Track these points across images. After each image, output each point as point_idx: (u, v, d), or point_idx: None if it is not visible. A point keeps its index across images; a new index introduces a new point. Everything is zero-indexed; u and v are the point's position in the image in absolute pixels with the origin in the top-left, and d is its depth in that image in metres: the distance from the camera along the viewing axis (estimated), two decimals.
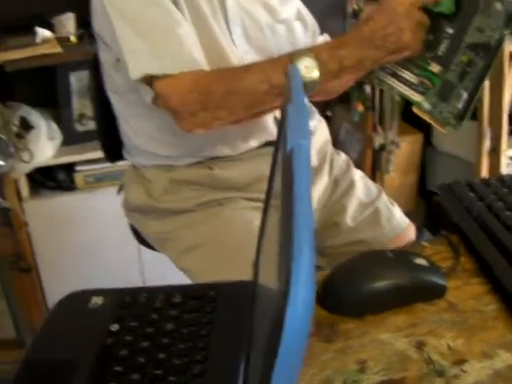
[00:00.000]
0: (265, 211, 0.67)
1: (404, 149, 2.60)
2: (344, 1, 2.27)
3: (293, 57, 1.06)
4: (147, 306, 0.69)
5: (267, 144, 1.32)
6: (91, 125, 2.22)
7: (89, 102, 2.17)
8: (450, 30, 1.07)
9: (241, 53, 1.26)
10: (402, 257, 0.80)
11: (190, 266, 1.30)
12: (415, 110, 1.15)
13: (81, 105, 2.20)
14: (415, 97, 1.13)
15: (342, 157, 1.52)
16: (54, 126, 2.18)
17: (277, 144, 0.63)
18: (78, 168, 2.26)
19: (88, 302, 0.75)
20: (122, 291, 0.75)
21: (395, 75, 1.16)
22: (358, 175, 1.50)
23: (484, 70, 1.04)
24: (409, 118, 2.59)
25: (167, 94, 1.14)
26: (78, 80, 2.16)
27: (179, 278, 2.11)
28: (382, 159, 2.53)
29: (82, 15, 2.14)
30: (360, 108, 2.38)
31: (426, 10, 1.06)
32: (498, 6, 1.01)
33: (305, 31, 1.40)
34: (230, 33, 1.26)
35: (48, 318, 0.75)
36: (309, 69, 1.04)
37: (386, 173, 2.57)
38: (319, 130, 1.47)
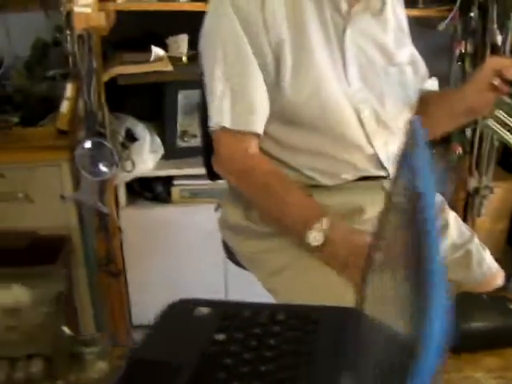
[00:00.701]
0: (376, 242, 0.70)
1: (498, 194, 2.57)
2: (451, 44, 2.27)
3: (311, 225, 1.22)
4: (252, 320, 0.74)
5: (362, 179, 1.38)
6: (193, 142, 2.33)
7: (193, 119, 2.28)
8: None
9: (354, 90, 1.33)
10: (497, 301, 0.81)
11: (277, 288, 1.34)
12: None
13: (185, 122, 2.30)
14: None
15: (437, 197, 1.54)
16: (158, 139, 2.28)
17: (394, 184, 0.66)
18: (176, 182, 2.35)
19: (194, 310, 0.80)
20: (227, 304, 0.79)
21: (505, 125, 1.20)
22: (452, 216, 1.52)
23: None
24: (505, 164, 2.56)
25: (220, 143, 1.33)
26: (184, 98, 2.26)
27: (260, 298, 2.15)
28: (475, 203, 2.51)
29: (194, 37, 2.25)
30: (459, 150, 2.38)
31: None
32: None
33: (415, 75, 1.45)
34: (346, 71, 1.33)
35: (156, 321, 0.80)
36: (315, 239, 1.22)
37: (477, 216, 2.55)
38: None
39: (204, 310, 0.80)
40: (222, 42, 1.29)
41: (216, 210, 1.61)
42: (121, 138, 2.18)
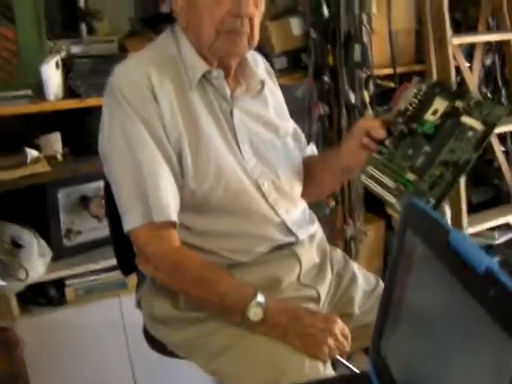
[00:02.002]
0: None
1: (369, 237, 2.77)
2: (309, 107, 2.46)
3: (248, 303, 1.30)
4: None
5: (274, 249, 1.46)
6: (78, 239, 2.29)
7: (75, 216, 2.24)
8: (428, 148, 1.28)
9: (251, 167, 1.43)
10: None
11: (223, 368, 1.37)
12: (389, 209, 1.36)
13: (68, 220, 2.24)
14: (390, 198, 1.31)
15: (339, 252, 1.66)
16: (43, 242, 2.20)
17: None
18: (68, 282, 2.27)
19: None
20: None
21: (375, 179, 1.35)
22: (355, 267, 1.63)
23: (452, 183, 1.23)
24: (371, 208, 2.78)
25: (145, 240, 1.36)
26: (65, 196, 2.21)
27: None
28: (352, 248, 2.68)
29: (66, 135, 2.25)
30: (332, 203, 2.55)
31: (410, 129, 1.31)
32: (470, 133, 1.23)
33: (296, 146, 1.59)
34: (241, 150, 1.43)
35: None
36: (255, 315, 1.30)
37: (355, 260, 2.72)
38: (318, 230, 1.61)
39: None
40: (128, 145, 1.34)
41: (138, 306, 1.60)
42: (6, 246, 2.07)
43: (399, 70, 2.55)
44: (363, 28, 2.35)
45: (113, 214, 1.55)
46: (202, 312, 1.39)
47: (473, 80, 2.65)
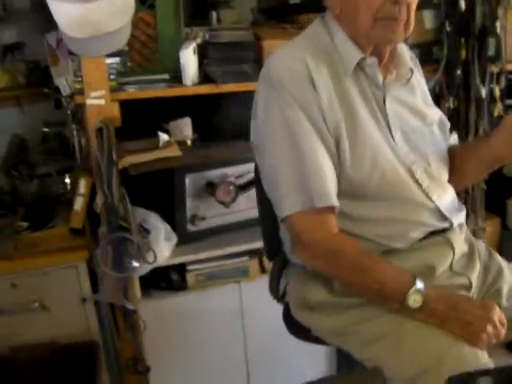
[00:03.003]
0: None
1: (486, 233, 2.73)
2: (437, 100, 2.40)
3: (408, 289, 1.29)
4: None
5: (428, 235, 1.45)
6: (202, 225, 2.29)
7: (200, 202, 2.24)
8: None
9: (404, 154, 1.43)
10: None
11: (378, 355, 1.36)
12: None
13: (193, 205, 2.25)
14: None
15: (482, 244, 1.63)
16: (169, 227, 2.21)
17: None
18: (190, 267, 2.28)
19: None
20: None
21: None
22: (500, 259, 1.61)
23: None
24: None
25: (306, 227, 1.35)
26: (191, 182, 2.22)
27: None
28: None
29: (194, 120, 2.26)
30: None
31: None
32: None
33: (442, 134, 1.57)
34: (393, 138, 1.42)
35: None
36: (415, 302, 1.29)
37: None
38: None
39: None
40: (288, 131, 1.34)
41: (274, 292, 1.64)
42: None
43: None
44: (498, 22, 2.27)
45: (263, 200, 1.56)
46: (358, 298, 1.39)
47: None
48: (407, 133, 1.45)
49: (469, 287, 1.46)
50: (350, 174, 1.36)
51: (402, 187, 1.41)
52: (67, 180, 2.20)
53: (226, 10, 2.46)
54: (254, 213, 2.31)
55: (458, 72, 2.32)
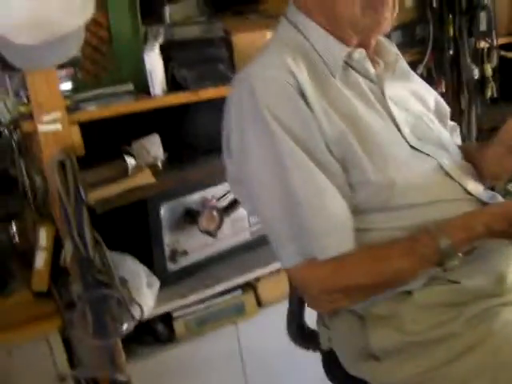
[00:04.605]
0: None
1: None
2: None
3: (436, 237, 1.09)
4: None
5: None
6: (184, 261, 1.92)
7: (179, 233, 1.87)
8: None
9: (420, 148, 1.24)
10: None
11: None
12: None
13: (172, 239, 1.86)
14: None
15: None
16: (147, 269, 1.82)
17: None
18: (176, 314, 1.91)
19: None
20: None
21: None
22: None
23: None
24: None
25: (307, 281, 1.15)
26: (168, 212, 1.84)
27: None
28: None
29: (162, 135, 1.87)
30: None
31: None
32: None
33: (440, 121, 1.39)
34: (402, 134, 1.23)
35: None
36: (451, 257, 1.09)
37: None
38: None
39: None
40: (280, 170, 1.11)
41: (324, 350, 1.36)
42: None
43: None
44: None
45: None
46: (440, 330, 1.14)
47: None
48: (416, 125, 1.27)
49: None
50: (376, 179, 1.14)
51: (432, 185, 1.21)
52: (13, 229, 1.74)
53: (172, 5, 2.09)
54: (242, 237, 2.02)
55: (450, 52, 2.07)
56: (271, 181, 1.13)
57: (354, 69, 1.24)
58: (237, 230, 1.97)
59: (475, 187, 1.25)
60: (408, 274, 1.12)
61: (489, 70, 2.14)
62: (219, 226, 1.89)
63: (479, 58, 2.13)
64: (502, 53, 2.16)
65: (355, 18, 1.19)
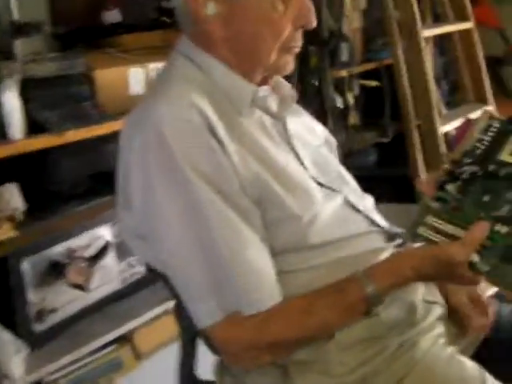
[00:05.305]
0: None
1: None
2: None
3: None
4: None
5: None
6: (50, 321, 1.75)
7: (45, 290, 1.71)
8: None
9: (326, 183, 1.22)
10: None
11: None
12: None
13: (37, 297, 1.68)
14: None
15: None
16: (12, 335, 1.61)
17: None
18: (48, 379, 1.71)
19: None
20: None
21: (438, 230, 1.11)
22: None
23: None
24: None
25: (229, 339, 1.08)
26: (30, 267, 1.65)
27: None
28: None
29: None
30: None
31: (486, 172, 1.10)
32: None
33: (331, 152, 1.38)
34: (304, 166, 1.21)
35: None
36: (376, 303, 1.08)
37: None
38: None
39: None
40: (200, 218, 1.04)
41: None
42: None
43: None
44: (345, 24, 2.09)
45: None
46: (371, 364, 1.11)
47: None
48: (316, 160, 1.25)
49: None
50: (300, 213, 1.11)
51: (343, 220, 1.19)
52: None
53: (18, 40, 1.89)
54: (112, 286, 1.88)
55: (316, 83, 2.07)
56: (189, 236, 1.04)
57: (257, 106, 1.19)
58: (106, 279, 1.83)
59: (380, 218, 1.26)
60: (335, 325, 1.09)
61: (350, 98, 2.17)
62: (89, 278, 1.74)
63: (342, 87, 2.16)
64: (361, 81, 2.21)
65: (271, 59, 1.14)
